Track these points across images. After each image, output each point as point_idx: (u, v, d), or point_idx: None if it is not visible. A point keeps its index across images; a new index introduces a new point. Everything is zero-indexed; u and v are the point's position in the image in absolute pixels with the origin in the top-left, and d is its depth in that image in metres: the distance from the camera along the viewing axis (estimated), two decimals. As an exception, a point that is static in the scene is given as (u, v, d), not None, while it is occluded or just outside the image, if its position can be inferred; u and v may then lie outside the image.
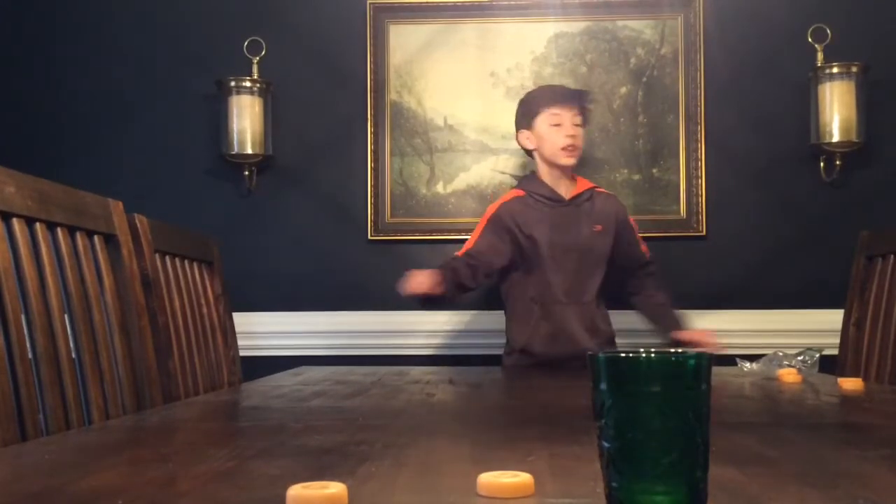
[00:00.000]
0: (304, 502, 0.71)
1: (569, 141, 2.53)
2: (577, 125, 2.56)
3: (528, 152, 2.69)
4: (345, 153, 3.11)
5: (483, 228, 2.59)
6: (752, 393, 1.78)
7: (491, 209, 2.64)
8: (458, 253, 2.57)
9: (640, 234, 2.71)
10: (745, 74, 3.03)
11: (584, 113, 2.61)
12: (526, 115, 2.64)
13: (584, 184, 2.65)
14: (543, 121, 2.57)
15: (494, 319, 3.04)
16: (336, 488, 0.72)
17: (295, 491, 0.72)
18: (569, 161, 2.56)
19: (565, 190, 2.61)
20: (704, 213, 3.01)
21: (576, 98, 2.62)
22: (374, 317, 3.05)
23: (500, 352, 3.00)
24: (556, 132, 2.55)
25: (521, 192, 2.63)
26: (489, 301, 3.05)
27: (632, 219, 2.70)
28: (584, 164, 3.05)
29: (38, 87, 3.16)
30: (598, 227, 2.59)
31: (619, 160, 3.05)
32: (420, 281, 2.35)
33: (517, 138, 2.69)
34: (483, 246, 2.55)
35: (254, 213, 3.11)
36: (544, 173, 2.62)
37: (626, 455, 0.63)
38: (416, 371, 2.31)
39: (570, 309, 2.55)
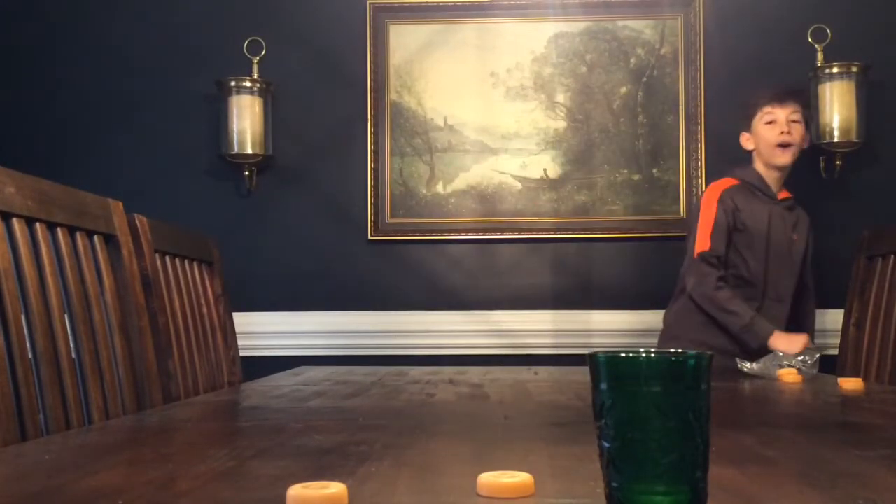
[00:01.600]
0: (304, 502, 0.71)
1: (783, 137, 2.52)
2: (794, 122, 2.55)
3: (749, 154, 2.66)
4: (345, 153, 3.11)
5: (715, 222, 2.52)
6: (752, 393, 1.78)
7: (713, 195, 2.56)
8: (700, 252, 2.49)
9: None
10: (745, 74, 3.03)
11: (802, 110, 2.58)
12: (745, 117, 2.64)
13: (786, 193, 2.65)
14: (759, 120, 2.58)
15: (494, 319, 3.04)
16: (336, 488, 0.72)
17: (295, 491, 0.72)
18: (784, 159, 2.55)
19: (776, 190, 2.61)
20: (704, 213, 3.01)
21: (790, 95, 2.60)
22: (374, 317, 3.05)
23: (498, 352, 3.01)
24: (771, 129, 2.55)
25: (735, 181, 2.60)
26: (489, 301, 3.05)
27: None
28: (584, 164, 3.06)
29: (38, 87, 3.16)
30: (797, 236, 2.59)
31: (619, 160, 3.05)
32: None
33: (740, 141, 2.67)
34: (722, 244, 2.51)
35: (254, 213, 3.11)
36: (760, 171, 2.61)
37: (626, 455, 0.63)
38: (416, 371, 2.31)
39: (764, 304, 2.53)
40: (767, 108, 2.57)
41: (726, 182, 2.61)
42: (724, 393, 1.73)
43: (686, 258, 2.60)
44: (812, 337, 2.58)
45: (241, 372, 2.45)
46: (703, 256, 2.50)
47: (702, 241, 2.51)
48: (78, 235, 1.61)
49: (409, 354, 2.98)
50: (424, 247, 3.09)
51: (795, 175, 3.02)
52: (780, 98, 2.58)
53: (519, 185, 3.06)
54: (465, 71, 3.10)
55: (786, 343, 2.35)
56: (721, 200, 2.54)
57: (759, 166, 2.62)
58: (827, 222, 2.99)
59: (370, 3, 3.10)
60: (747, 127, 2.64)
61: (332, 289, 3.08)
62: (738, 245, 2.53)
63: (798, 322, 2.62)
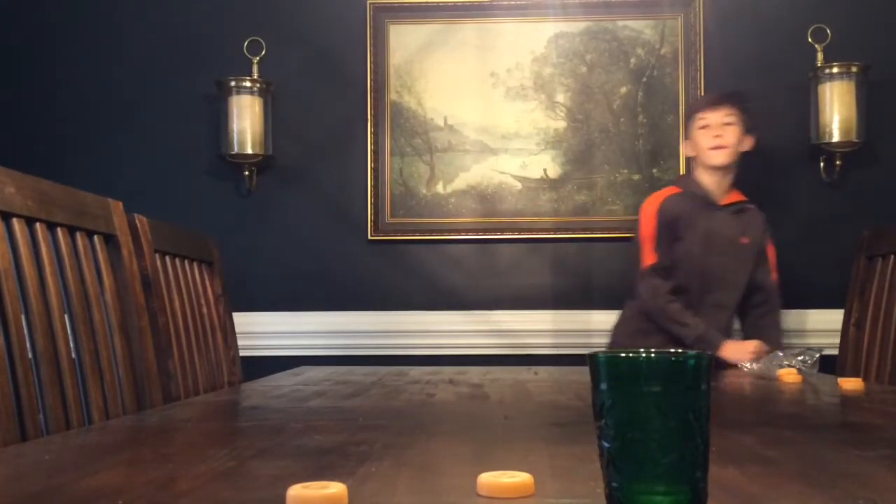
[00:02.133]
0: (304, 502, 0.71)
1: (715, 141, 2.55)
2: (727, 124, 2.56)
3: (690, 161, 2.70)
4: (345, 153, 3.11)
5: (657, 233, 2.55)
6: (752, 393, 1.78)
7: (652, 206, 2.59)
8: (650, 265, 2.53)
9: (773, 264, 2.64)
10: (745, 74, 3.03)
11: (738, 113, 2.59)
12: (687, 126, 2.68)
13: (738, 196, 2.64)
14: (694, 126, 2.61)
15: (494, 319, 3.04)
16: (336, 488, 0.72)
17: (295, 491, 0.72)
18: (718, 159, 2.56)
19: (719, 196, 2.60)
20: (704, 213, 3.01)
21: (723, 99, 2.62)
22: (374, 317, 3.05)
23: (498, 352, 3.01)
24: (704, 134, 2.57)
25: (677, 189, 2.63)
26: (489, 301, 3.05)
27: (771, 244, 2.65)
28: (584, 164, 3.06)
29: (38, 87, 3.16)
30: (746, 240, 2.58)
31: (619, 160, 3.05)
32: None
33: (681, 149, 2.73)
34: (668, 254, 2.54)
35: (254, 213, 3.11)
36: (701, 177, 2.62)
37: (626, 455, 0.63)
38: (416, 371, 2.31)
39: (701, 312, 2.53)
40: (700, 114, 2.60)
41: (667, 191, 2.64)
42: (724, 393, 1.73)
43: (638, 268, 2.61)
44: (777, 340, 2.55)
45: (241, 372, 2.45)
46: (653, 269, 2.53)
47: (648, 254, 2.54)
48: (78, 235, 1.61)
49: (409, 354, 2.98)
50: (424, 247, 3.09)
51: (795, 175, 3.03)
52: (712, 102, 2.62)
53: (519, 185, 3.06)
54: (465, 71, 3.10)
55: (734, 352, 2.39)
56: (660, 211, 2.56)
57: (699, 173, 2.63)
58: (827, 222, 3.00)
59: (370, 3, 3.10)
60: (687, 135, 2.68)
61: (332, 289, 3.08)
62: (675, 253, 2.54)
63: (757, 327, 2.61)
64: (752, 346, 2.42)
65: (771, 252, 2.64)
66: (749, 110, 2.64)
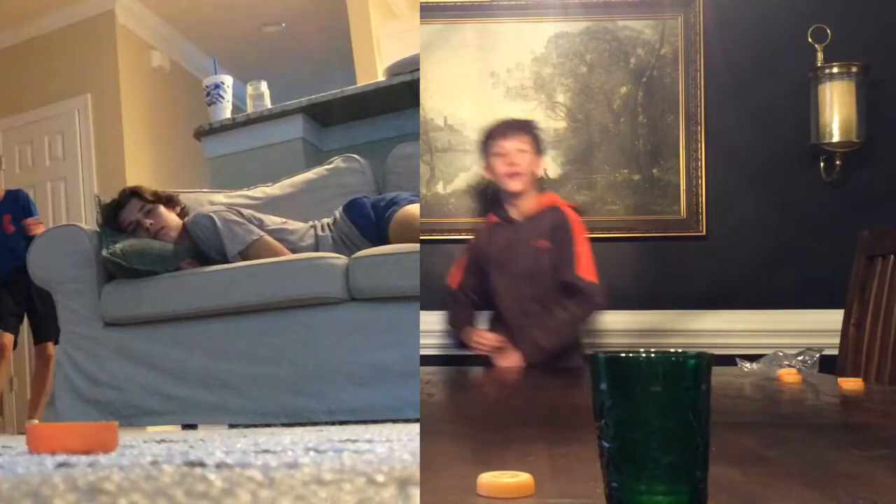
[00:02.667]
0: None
1: (510, 169, 2.60)
2: (522, 151, 2.60)
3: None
4: (345, 153, 3.11)
5: (468, 262, 2.71)
6: (752, 393, 1.78)
7: (471, 240, 2.75)
8: (452, 290, 2.72)
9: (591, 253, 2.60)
10: (745, 74, 3.03)
11: (531, 141, 2.64)
12: (483, 152, 2.73)
13: (546, 201, 2.67)
14: (491, 154, 2.65)
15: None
16: (336, 488, 0.72)
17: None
18: (513, 186, 2.61)
19: (520, 211, 2.64)
20: (704, 214, 3.01)
21: (515, 128, 2.67)
22: (374, 317, 3.04)
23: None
24: (499, 162, 2.61)
25: (494, 218, 2.71)
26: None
27: (580, 232, 2.59)
28: (584, 164, 3.06)
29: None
30: (542, 243, 2.59)
31: (619, 160, 3.05)
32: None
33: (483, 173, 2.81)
34: (466, 281, 2.72)
35: (254, 213, 3.11)
36: (504, 200, 2.67)
37: (626, 455, 0.63)
38: (416, 371, 2.31)
39: (519, 322, 2.57)
40: (496, 143, 2.64)
41: (486, 222, 2.74)
42: (724, 393, 1.73)
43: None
44: (540, 334, 2.53)
45: (241, 372, 2.45)
46: (454, 294, 2.71)
47: (455, 277, 2.73)
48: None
49: (409, 354, 2.97)
50: (424, 247, 3.08)
51: (795, 175, 3.02)
52: (504, 132, 2.65)
53: (519, 185, 3.05)
54: (465, 71, 3.09)
55: (472, 338, 2.58)
56: (473, 242, 2.73)
57: (503, 196, 2.68)
58: (827, 222, 2.99)
59: (370, 3, 3.10)
60: (485, 160, 2.71)
61: (332, 289, 3.07)
62: (488, 281, 2.64)
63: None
64: (482, 336, 2.58)
65: (580, 245, 2.58)
66: (539, 137, 2.72)
